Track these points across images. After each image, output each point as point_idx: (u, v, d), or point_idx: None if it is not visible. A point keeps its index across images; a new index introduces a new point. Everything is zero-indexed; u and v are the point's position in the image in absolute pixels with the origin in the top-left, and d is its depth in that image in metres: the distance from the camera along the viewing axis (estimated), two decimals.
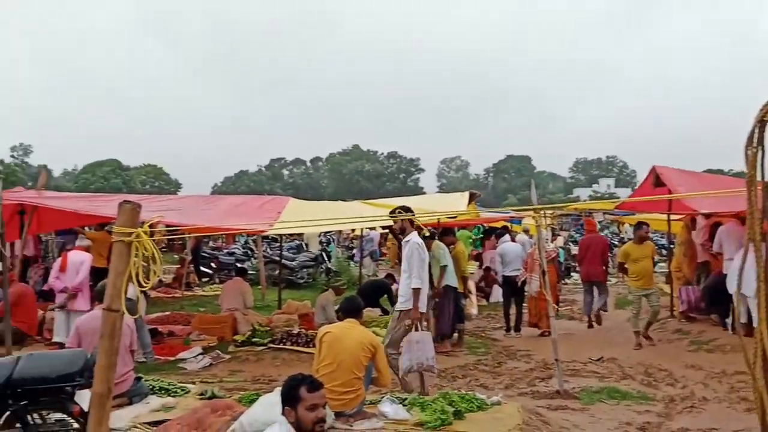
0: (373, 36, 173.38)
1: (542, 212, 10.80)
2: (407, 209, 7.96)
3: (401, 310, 7.64)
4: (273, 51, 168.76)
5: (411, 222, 7.85)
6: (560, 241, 21.33)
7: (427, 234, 9.87)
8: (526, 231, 17.41)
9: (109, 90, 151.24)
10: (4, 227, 8.28)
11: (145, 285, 3.33)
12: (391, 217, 8.00)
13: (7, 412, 4.94)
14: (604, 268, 12.84)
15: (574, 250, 25.00)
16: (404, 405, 6.28)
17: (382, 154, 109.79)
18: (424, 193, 71.95)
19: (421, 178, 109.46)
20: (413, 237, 7.77)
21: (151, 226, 3.31)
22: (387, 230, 17.37)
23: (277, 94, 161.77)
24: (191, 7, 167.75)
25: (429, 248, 11.74)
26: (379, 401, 6.26)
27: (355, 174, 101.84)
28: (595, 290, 12.57)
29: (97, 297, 7.30)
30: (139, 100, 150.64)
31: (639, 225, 11.36)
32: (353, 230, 23.63)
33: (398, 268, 17.63)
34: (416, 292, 7.49)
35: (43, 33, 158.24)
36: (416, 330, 7.39)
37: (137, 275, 3.27)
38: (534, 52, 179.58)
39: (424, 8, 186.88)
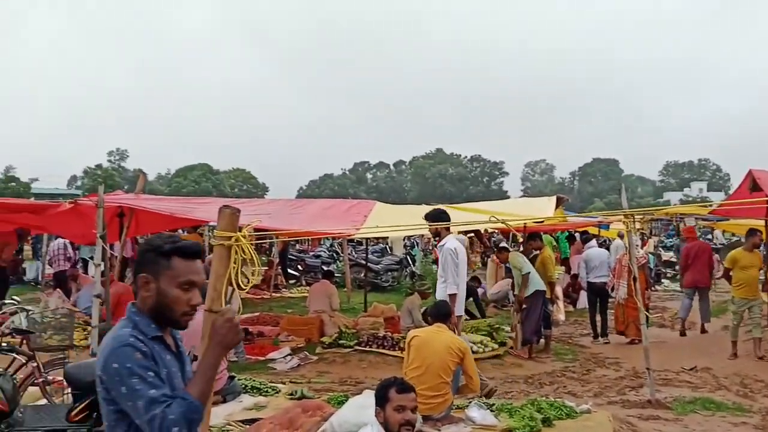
0: (459, 37, 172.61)
1: (632, 217, 10.53)
2: (441, 212, 7.98)
3: None
4: (360, 53, 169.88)
5: (447, 227, 7.86)
6: (650, 246, 20.73)
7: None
8: (621, 236, 16.99)
9: (200, 95, 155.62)
10: (105, 229, 8.66)
11: (243, 288, 3.43)
12: (430, 224, 8.01)
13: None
14: (709, 274, 12.58)
15: (665, 255, 24.34)
16: (492, 411, 6.25)
17: (466, 157, 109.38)
18: (508, 197, 71.32)
19: (505, 182, 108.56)
20: (448, 242, 7.79)
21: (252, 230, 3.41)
22: (472, 234, 17.34)
23: (362, 97, 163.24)
24: (278, 11, 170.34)
25: (504, 260, 11.73)
26: (467, 406, 6.25)
27: (439, 177, 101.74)
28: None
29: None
30: (228, 105, 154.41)
31: (752, 232, 10.82)
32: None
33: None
34: (452, 297, 7.55)
35: (139, 41, 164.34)
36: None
37: (237, 278, 3.37)
38: (622, 51, 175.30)
39: (510, 9, 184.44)
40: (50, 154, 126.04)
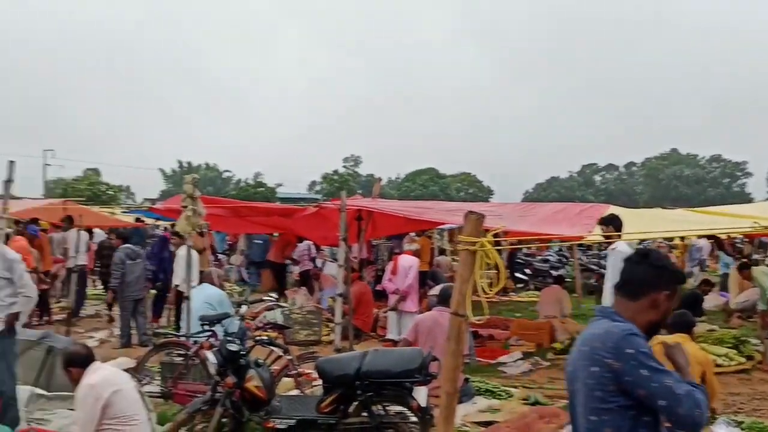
0: (703, 33, 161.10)
1: None
2: (615, 218, 7.72)
3: None
4: (589, 53, 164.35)
5: (617, 229, 7.52)
6: None
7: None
8: None
9: (429, 101, 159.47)
10: (347, 231, 9.19)
11: (488, 293, 3.48)
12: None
13: (356, 402, 5.48)
14: None
15: None
16: (741, 429, 5.82)
17: (704, 157, 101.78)
18: (751, 200, 65.31)
19: (748, 183, 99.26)
20: (618, 246, 7.41)
21: (494, 235, 3.45)
22: (712, 240, 16.15)
23: (591, 97, 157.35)
24: (508, 12, 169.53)
25: (747, 278, 10.74)
26: (713, 422, 5.86)
27: (673, 179, 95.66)
28: None
29: (439, 300, 7.75)
30: (454, 109, 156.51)
31: None
32: (671, 239, 22.24)
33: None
34: None
35: (375, 50, 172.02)
36: None
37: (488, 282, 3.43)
38: None
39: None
40: (292, 161, 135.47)
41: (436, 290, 9.32)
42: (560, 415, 5.96)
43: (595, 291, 15.54)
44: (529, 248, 25.33)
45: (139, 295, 11.06)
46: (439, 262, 16.35)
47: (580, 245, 20.41)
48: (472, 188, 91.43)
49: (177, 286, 10.55)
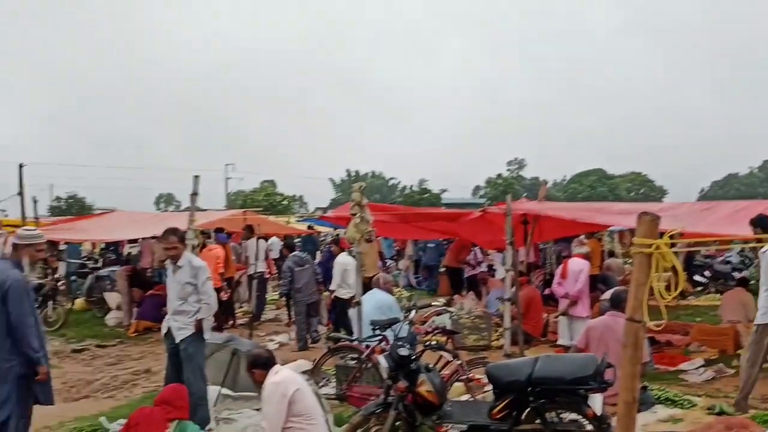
0: None
1: None
2: (763, 218, 7.27)
3: (761, 324, 7.00)
4: None
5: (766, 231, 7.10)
6: None
7: None
8: None
9: (594, 99, 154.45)
10: (513, 236, 9.10)
11: (666, 298, 3.33)
12: None
13: (529, 408, 5.41)
14: None
15: None
16: None
17: None
18: None
19: None
20: None
21: (671, 237, 3.30)
22: None
23: None
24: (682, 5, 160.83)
25: None
26: None
27: None
28: None
29: (611, 305, 7.51)
30: (621, 106, 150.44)
31: None
32: None
33: None
34: None
35: (531, 50, 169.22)
36: None
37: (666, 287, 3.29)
38: None
39: None
40: (457, 167, 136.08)
41: (607, 294, 9.01)
42: (749, 426, 5.57)
43: None
44: (708, 250, 23.88)
45: (311, 299, 11.60)
46: (609, 265, 15.78)
47: None
48: (642, 188, 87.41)
49: (333, 291, 11.01)
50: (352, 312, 11.79)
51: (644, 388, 6.88)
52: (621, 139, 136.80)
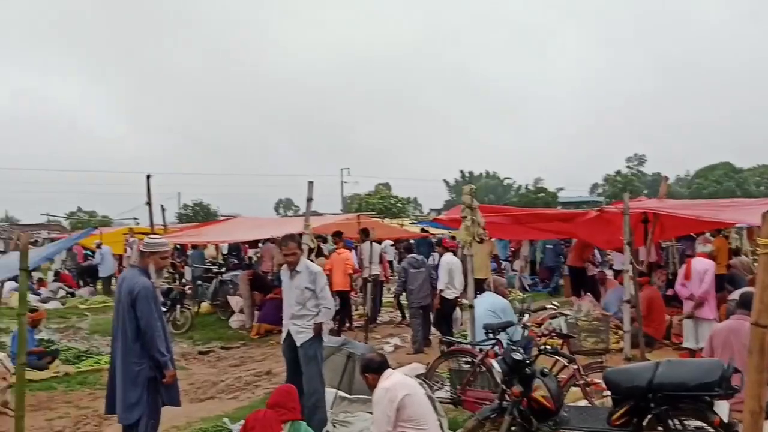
0: None
1: None
2: None
3: None
4: None
5: None
6: None
7: None
8: None
9: (717, 89, 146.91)
10: (632, 235, 8.78)
11: None
12: None
13: (650, 415, 5.20)
14: None
15: None
16: None
17: None
18: None
19: None
20: None
21: None
22: None
23: None
24: None
25: None
26: None
27: None
28: None
29: (738, 305, 7.12)
30: (747, 95, 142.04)
31: None
32: None
33: None
34: None
35: (647, 41, 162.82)
36: None
37: None
38: None
39: None
40: (573, 164, 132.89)
41: (735, 295, 8.52)
42: None
43: None
44: None
45: (424, 302, 11.60)
46: (736, 264, 14.97)
47: None
48: None
49: (441, 291, 10.97)
50: (456, 313, 11.81)
51: None
52: (750, 130, 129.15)
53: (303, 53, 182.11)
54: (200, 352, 12.39)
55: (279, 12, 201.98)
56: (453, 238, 12.22)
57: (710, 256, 10.38)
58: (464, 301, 10.50)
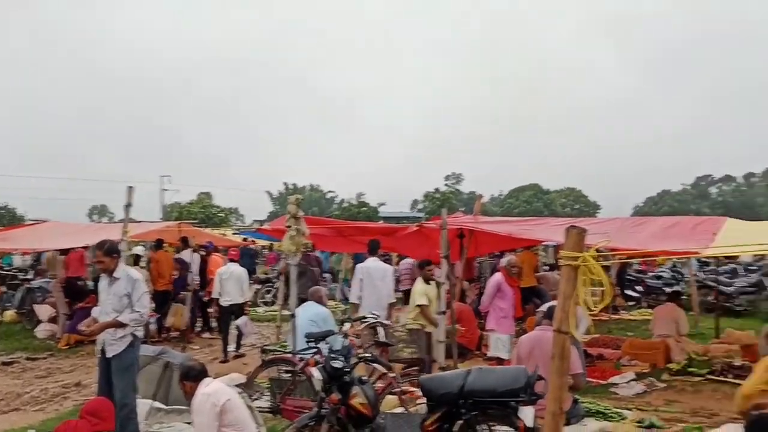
0: None
1: None
2: None
3: None
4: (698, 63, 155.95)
5: None
6: None
7: None
8: None
9: (531, 116, 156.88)
10: (449, 249, 9.13)
11: (593, 309, 3.38)
12: None
13: (461, 420, 5.41)
14: None
15: None
16: None
17: None
18: None
19: None
20: None
21: (597, 250, 3.35)
22: None
23: (724, 105, 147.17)
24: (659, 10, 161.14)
25: None
26: None
27: None
28: None
29: (545, 317, 7.54)
30: (559, 124, 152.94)
31: None
32: None
33: None
34: None
35: (472, 66, 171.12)
36: None
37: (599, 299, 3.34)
38: None
39: None
40: (394, 180, 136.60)
41: (544, 307, 9.05)
42: None
43: (714, 308, 14.79)
44: (640, 264, 24.51)
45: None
46: (543, 278, 16.02)
47: (699, 261, 19.56)
48: (577, 204, 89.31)
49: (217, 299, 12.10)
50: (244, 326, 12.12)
51: (575, 401, 6.96)
52: (557, 156, 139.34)
53: (141, 48, 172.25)
54: (3, 363, 11.51)
55: (110, 5, 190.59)
56: (271, 248, 12.33)
57: (504, 270, 10.54)
58: (285, 312, 10.46)
